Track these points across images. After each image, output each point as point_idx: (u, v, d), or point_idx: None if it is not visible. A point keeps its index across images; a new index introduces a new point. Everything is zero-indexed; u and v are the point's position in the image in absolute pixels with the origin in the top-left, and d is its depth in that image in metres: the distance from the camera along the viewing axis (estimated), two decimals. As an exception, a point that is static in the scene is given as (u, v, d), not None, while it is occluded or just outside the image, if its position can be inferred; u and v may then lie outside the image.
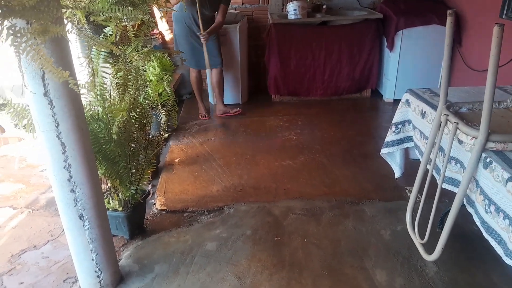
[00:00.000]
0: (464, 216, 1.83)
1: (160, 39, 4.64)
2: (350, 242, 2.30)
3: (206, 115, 4.23)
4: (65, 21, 1.47)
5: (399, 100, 2.50)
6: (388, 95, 4.58)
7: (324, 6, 4.61)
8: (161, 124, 2.50)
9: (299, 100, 4.73)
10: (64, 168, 1.66)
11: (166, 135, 2.50)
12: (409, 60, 4.34)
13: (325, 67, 4.56)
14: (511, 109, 1.97)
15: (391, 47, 4.31)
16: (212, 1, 3.77)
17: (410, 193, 2.53)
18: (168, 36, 4.83)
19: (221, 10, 3.86)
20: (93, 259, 1.87)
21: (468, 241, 2.26)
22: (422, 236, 2.06)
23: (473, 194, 1.73)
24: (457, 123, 1.75)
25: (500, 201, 1.52)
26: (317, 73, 4.59)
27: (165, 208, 2.69)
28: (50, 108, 1.54)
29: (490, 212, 1.58)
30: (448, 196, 2.20)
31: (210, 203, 2.73)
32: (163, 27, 4.78)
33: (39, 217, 2.63)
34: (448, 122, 1.85)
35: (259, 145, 3.61)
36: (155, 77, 3.13)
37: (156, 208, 2.69)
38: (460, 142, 1.78)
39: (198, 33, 3.78)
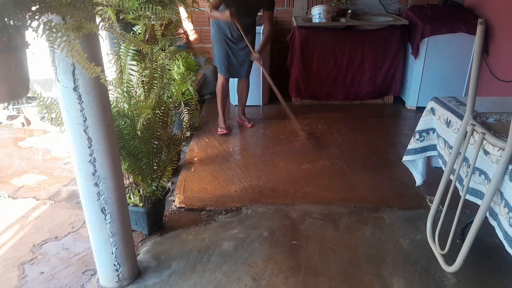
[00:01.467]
0: (484, 228, 1.79)
1: (185, 39, 4.69)
2: (368, 249, 2.28)
3: (225, 130, 3.90)
4: (98, 18, 1.51)
5: (422, 107, 2.47)
6: (411, 102, 4.52)
7: (349, 11, 4.59)
8: (184, 123, 2.53)
9: (320, 104, 4.72)
10: (89, 162, 1.70)
11: (188, 133, 2.51)
12: (434, 68, 4.28)
13: (347, 72, 4.54)
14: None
15: (416, 54, 4.27)
16: (252, 7, 3.52)
17: (431, 202, 2.50)
18: (192, 36, 4.87)
19: (268, 19, 3.61)
20: (112, 253, 1.90)
21: (488, 254, 2.22)
22: (442, 247, 2.03)
23: (497, 207, 1.70)
24: (484, 134, 1.72)
25: (526, 214, 1.49)
26: (339, 77, 4.57)
27: (183, 205, 2.72)
28: (79, 103, 1.58)
29: (515, 225, 1.55)
30: (469, 208, 2.17)
31: (228, 203, 2.75)
32: (188, 27, 4.83)
33: (61, 209, 2.69)
34: (474, 132, 1.83)
35: (278, 148, 3.61)
36: (179, 76, 3.16)
37: (175, 205, 2.71)
38: (486, 153, 1.75)
39: (233, 40, 3.61)
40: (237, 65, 3.79)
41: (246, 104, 4.16)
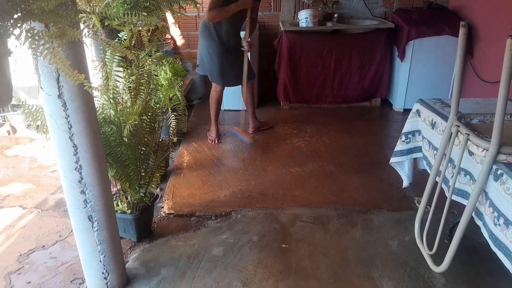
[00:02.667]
0: (472, 228, 1.82)
1: (172, 44, 4.68)
2: (358, 251, 2.29)
3: (216, 140, 3.80)
4: (82, 25, 1.50)
5: (409, 109, 2.50)
6: (398, 105, 4.56)
7: (336, 15, 4.63)
8: (171, 128, 2.52)
9: (308, 108, 4.74)
10: (75, 169, 1.68)
11: (175, 139, 2.51)
12: (420, 70, 4.33)
13: (335, 75, 4.57)
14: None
15: (402, 57, 4.31)
16: (240, 12, 3.36)
17: (419, 204, 2.52)
18: (179, 41, 4.87)
19: (257, 10, 3.56)
20: (100, 261, 1.89)
21: (476, 253, 2.24)
22: (430, 247, 2.05)
23: (482, 206, 1.72)
24: (468, 135, 1.74)
25: (510, 214, 1.50)
26: (326, 81, 4.59)
27: (172, 211, 2.70)
28: (64, 110, 1.57)
29: (499, 224, 1.57)
30: (457, 208, 2.19)
31: (218, 208, 2.74)
32: (175, 32, 4.83)
33: (48, 218, 2.66)
34: (459, 133, 1.85)
35: (268, 152, 3.62)
36: (167, 82, 3.15)
37: (163, 212, 2.70)
38: (471, 153, 1.78)
39: (235, 47, 3.50)
40: (241, 71, 3.62)
41: (233, 109, 4.11)
